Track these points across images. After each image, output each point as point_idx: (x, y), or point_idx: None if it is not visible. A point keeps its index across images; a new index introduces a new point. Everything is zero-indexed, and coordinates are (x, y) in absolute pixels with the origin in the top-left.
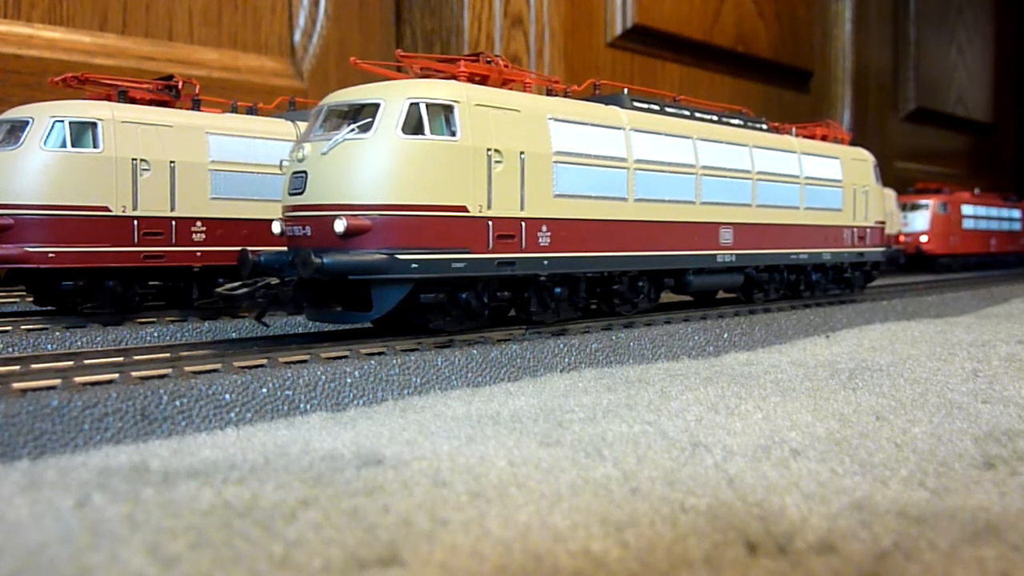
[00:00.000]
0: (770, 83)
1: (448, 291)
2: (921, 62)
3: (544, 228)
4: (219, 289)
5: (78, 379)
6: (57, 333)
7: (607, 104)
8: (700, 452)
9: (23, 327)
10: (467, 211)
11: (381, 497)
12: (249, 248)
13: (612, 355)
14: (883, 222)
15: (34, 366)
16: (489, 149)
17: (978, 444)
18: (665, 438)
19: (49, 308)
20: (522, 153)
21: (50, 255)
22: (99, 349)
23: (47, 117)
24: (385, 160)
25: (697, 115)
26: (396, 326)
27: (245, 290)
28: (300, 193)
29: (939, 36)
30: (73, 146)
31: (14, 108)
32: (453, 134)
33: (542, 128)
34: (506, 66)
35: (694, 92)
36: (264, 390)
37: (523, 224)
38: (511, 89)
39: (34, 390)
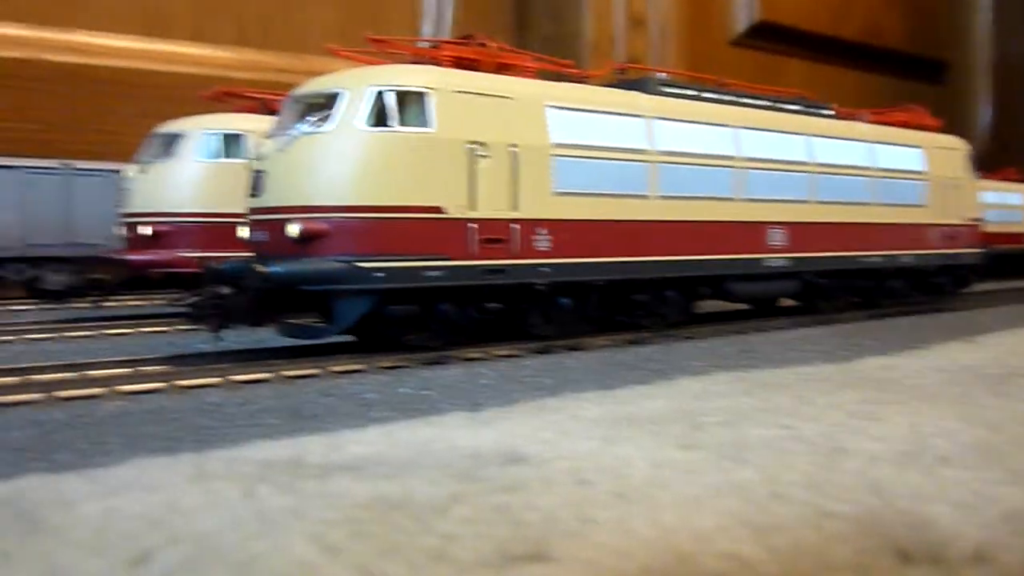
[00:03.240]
0: (901, 76)
1: (423, 303)
2: None
3: (542, 230)
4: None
5: (234, 377)
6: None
7: (631, 90)
8: (842, 457)
9: (178, 327)
10: (444, 212)
11: (526, 494)
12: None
13: (744, 358)
14: (978, 219)
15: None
16: (471, 142)
17: None
18: (805, 443)
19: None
20: (513, 145)
21: (201, 260)
22: (249, 348)
23: (199, 130)
24: (345, 156)
25: (743, 101)
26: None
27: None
28: (258, 195)
29: None
30: (225, 157)
31: (166, 122)
32: (426, 125)
33: (538, 117)
34: (501, 49)
35: (818, 88)
36: (404, 389)
37: (515, 226)
38: (512, 75)
39: (196, 387)
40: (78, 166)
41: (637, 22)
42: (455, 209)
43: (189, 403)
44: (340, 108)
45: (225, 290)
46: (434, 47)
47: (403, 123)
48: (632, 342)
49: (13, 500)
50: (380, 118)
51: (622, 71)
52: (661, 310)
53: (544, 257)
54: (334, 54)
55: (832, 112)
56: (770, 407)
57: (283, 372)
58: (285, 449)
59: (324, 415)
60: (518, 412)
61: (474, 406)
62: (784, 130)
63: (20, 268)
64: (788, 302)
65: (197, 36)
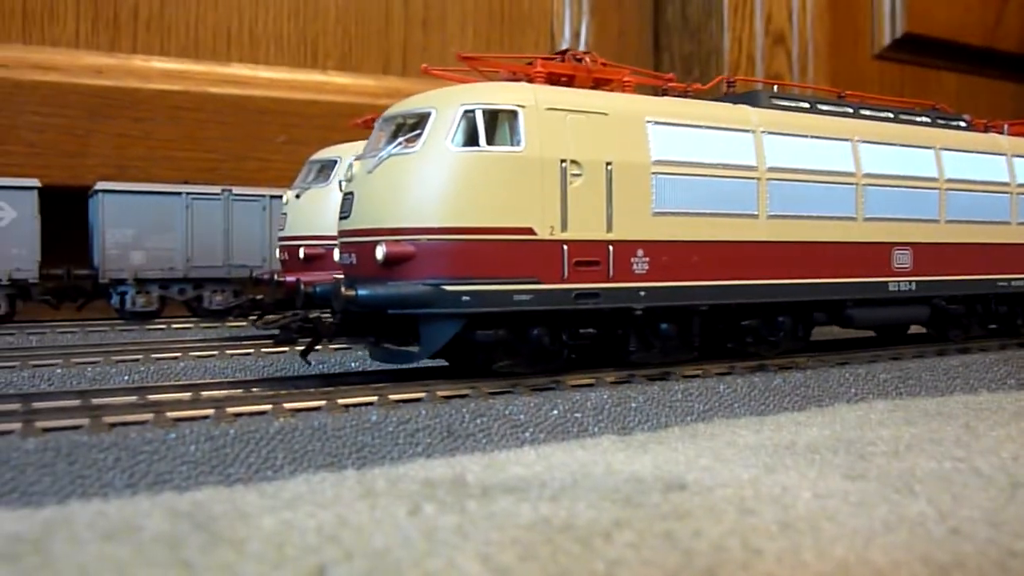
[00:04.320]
0: None
1: (513, 328)
2: None
3: (640, 252)
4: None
5: (391, 396)
6: (360, 352)
7: (739, 103)
8: (1023, 493)
9: (331, 347)
10: (534, 234)
11: (691, 522)
12: (305, 278)
13: (903, 386)
14: None
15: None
16: (564, 160)
17: None
18: (980, 476)
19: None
20: (609, 164)
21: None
22: (400, 368)
23: (352, 157)
24: (433, 177)
25: (863, 112)
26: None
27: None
28: (347, 217)
29: None
30: None
31: (322, 149)
32: (517, 144)
33: (638, 133)
34: (603, 64)
35: (973, 102)
36: (555, 412)
37: (610, 248)
38: (610, 91)
39: (355, 406)
40: (236, 192)
41: (778, 39)
42: (546, 230)
43: (350, 421)
44: (429, 128)
45: (313, 313)
46: (528, 64)
47: (492, 142)
48: (783, 367)
49: (193, 512)
50: (469, 137)
51: (731, 84)
52: (772, 336)
53: (641, 280)
54: (427, 73)
55: (965, 123)
56: (937, 437)
57: (437, 392)
58: (445, 468)
59: (478, 435)
60: (671, 437)
61: (625, 430)
62: (909, 143)
63: (184, 288)
64: (918, 329)
65: (344, 66)
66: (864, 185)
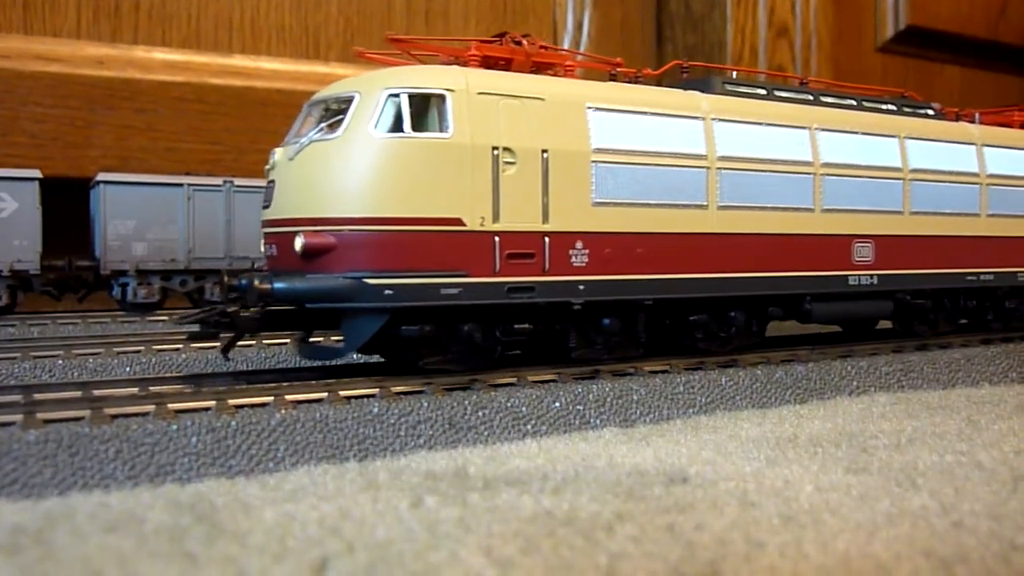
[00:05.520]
0: None
1: (441, 323)
2: None
3: (579, 244)
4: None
5: (393, 388)
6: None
7: (692, 89)
8: None
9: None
10: (463, 224)
11: (693, 515)
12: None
13: (905, 379)
14: None
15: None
16: (496, 147)
17: None
18: (982, 470)
19: None
20: (545, 151)
21: None
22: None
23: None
24: (355, 164)
25: (824, 100)
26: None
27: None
28: (268, 206)
29: None
30: None
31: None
32: (445, 130)
33: (578, 120)
34: (542, 48)
35: (977, 95)
36: (557, 404)
37: (546, 239)
38: (554, 75)
39: (357, 398)
40: (238, 183)
41: (781, 31)
42: (476, 221)
43: (351, 413)
44: (351, 113)
45: (232, 307)
46: (462, 46)
47: (419, 128)
48: (785, 360)
49: (195, 504)
50: (394, 123)
51: (685, 70)
52: (724, 332)
53: (580, 274)
54: (362, 57)
55: (933, 111)
56: (939, 431)
57: (439, 384)
58: (447, 460)
59: (480, 427)
60: (673, 430)
61: (628, 422)
62: (871, 131)
63: (185, 280)
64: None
65: (346, 57)
66: (823, 175)
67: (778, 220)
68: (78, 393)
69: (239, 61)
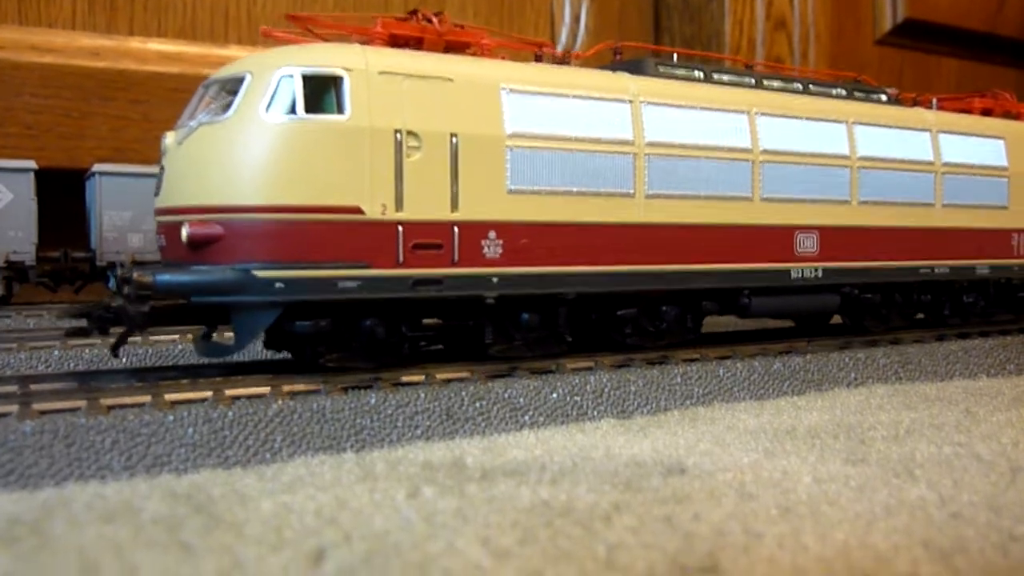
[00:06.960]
0: None
1: (342, 318)
2: None
3: (492, 235)
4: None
5: (390, 379)
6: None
7: (621, 71)
8: (1023, 478)
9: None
10: (362, 213)
11: (691, 506)
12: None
13: (902, 371)
14: None
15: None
16: (398, 131)
17: None
18: (980, 461)
19: None
20: (454, 135)
21: None
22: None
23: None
24: (243, 149)
25: (767, 83)
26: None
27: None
28: (158, 194)
29: None
30: None
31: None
32: (341, 112)
33: (491, 102)
34: (456, 26)
35: (974, 87)
36: (554, 395)
37: (455, 229)
38: (472, 55)
39: (354, 388)
40: None
41: (779, 23)
42: (377, 209)
43: (348, 404)
44: (242, 94)
45: (117, 301)
46: (368, 24)
47: (314, 110)
48: (783, 352)
49: (191, 494)
50: (287, 105)
51: (618, 52)
52: (655, 328)
53: (494, 265)
54: (266, 36)
55: (887, 97)
56: (937, 422)
57: (437, 375)
58: (444, 451)
59: (477, 418)
60: (671, 421)
61: (625, 413)
62: (816, 117)
63: None
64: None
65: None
66: (762, 162)
67: (713, 209)
68: (74, 384)
69: (235, 52)
